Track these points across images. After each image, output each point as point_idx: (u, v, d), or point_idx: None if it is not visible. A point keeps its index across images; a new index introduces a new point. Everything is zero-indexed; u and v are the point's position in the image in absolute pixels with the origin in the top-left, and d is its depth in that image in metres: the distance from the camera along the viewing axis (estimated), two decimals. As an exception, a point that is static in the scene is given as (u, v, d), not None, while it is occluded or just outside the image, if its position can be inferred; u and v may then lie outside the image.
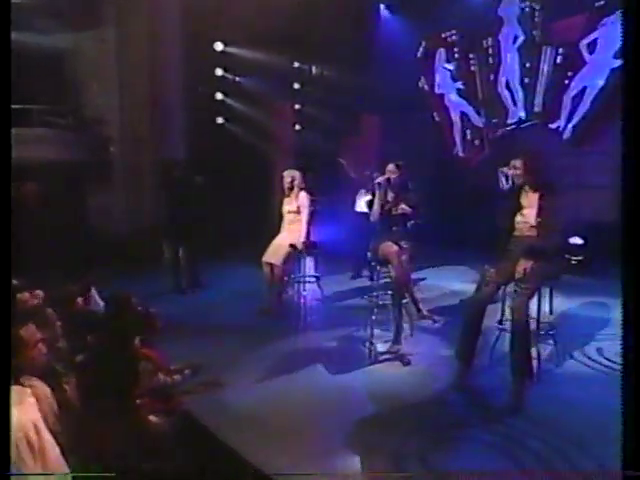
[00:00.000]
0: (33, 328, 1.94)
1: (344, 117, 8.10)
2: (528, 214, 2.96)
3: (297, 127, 8.74)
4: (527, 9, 6.91)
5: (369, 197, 3.88)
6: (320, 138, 8.07)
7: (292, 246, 4.35)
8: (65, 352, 2.58)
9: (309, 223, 4.44)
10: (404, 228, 3.75)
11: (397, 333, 3.52)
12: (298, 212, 4.45)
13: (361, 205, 5.56)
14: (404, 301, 3.64)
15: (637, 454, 1.32)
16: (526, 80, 7.06)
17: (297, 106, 8.75)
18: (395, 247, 3.56)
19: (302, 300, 4.52)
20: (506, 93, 7.31)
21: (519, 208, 2.99)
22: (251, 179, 7.67)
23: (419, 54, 8.10)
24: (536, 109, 7.01)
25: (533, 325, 3.00)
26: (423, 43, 8.05)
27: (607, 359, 3.32)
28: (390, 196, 3.71)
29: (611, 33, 5.92)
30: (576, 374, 3.20)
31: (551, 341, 3.30)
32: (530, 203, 2.97)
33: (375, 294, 3.75)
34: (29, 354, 1.91)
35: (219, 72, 7.93)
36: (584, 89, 6.44)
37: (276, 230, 4.64)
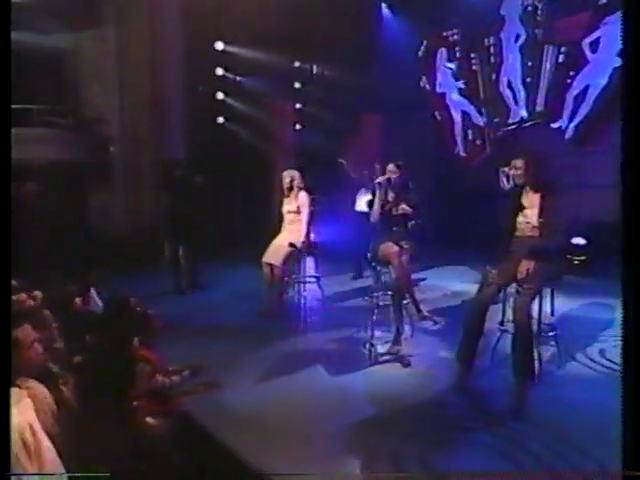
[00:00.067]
0: (29, 328, 1.93)
1: (345, 117, 8.09)
2: (530, 214, 2.93)
3: (298, 127, 8.73)
4: (529, 8, 6.89)
5: (369, 197, 3.86)
6: (321, 138, 8.06)
7: (292, 245, 4.33)
8: (63, 353, 2.57)
9: (309, 223, 4.42)
10: (404, 228, 3.72)
11: (397, 334, 3.49)
12: (298, 212, 4.43)
13: (361, 205, 5.54)
14: (404, 302, 3.62)
15: (637, 454, 1.31)
16: (528, 79, 7.03)
17: (298, 106, 8.74)
18: (395, 247, 3.54)
19: (302, 301, 4.50)
20: (508, 92, 7.28)
21: (520, 208, 2.97)
22: (251, 179, 7.66)
23: (420, 53, 8.08)
24: (538, 108, 6.97)
25: (535, 326, 2.97)
26: (424, 42, 8.03)
27: (609, 360, 3.29)
28: (390, 196, 3.69)
29: (614, 32, 5.88)
30: (578, 376, 3.17)
31: (553, 342, 3.27)
32: (532, 203, 2.94)
33: (375, 295, 3.73)
34: (25, 355, 1.90)
35: (220, 71, 7.93)
36: (586, 88, 6.41)
37: (276, 230, 4.62)
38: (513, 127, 7.27)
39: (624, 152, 1.36)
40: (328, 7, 7.30)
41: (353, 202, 5.95)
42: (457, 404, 2.86)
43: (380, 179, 3.65)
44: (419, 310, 3.98)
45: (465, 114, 7.84)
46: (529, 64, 6.99)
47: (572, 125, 6.62)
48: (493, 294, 2.98)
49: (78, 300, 3.13)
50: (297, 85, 8.71)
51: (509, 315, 3.25)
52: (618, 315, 1.41)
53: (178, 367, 2.75)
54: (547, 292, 3.09)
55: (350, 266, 5.85)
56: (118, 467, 1.95)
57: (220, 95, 8.02)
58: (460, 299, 4.76)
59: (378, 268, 3.73)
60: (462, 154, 7.97)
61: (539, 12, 6.81)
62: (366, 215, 3.98)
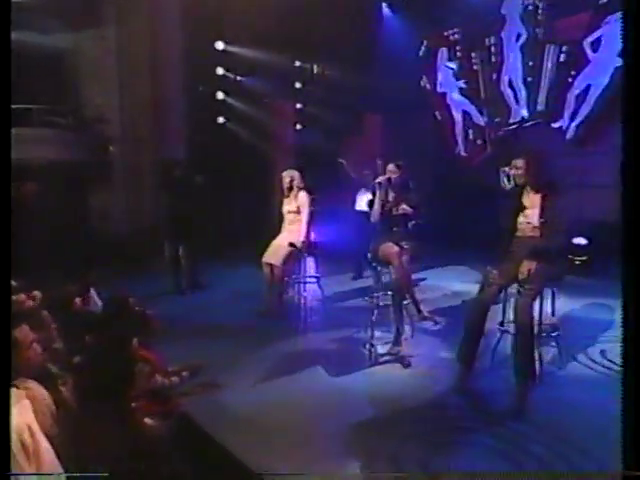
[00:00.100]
0: (27, 329, 1.93)
1: (345, 116, 8.08)
2: (530, 214, 2.92)
3: (298, 126, 8.72)
4: (530, 7, 6.86)
5: (369, 196, 3.85)
6: (321, 138, 8.05)
7: (292, 245, 4.32)
8: (62, 353, 2.56)
9: (309, 223, 4.41)
10: (405, 228, 3.72)
11: (397, 334, 3.48)
12: (298, 212, 4.42)
13: (361, 204, 5.52)
14: (405, 302, 3.61)
15: (637, 454, 1.31)
16: (529, 79, 7.01)
17: (298, 105, 8.73)
18: (396, 248, 3.53)
19: (302, 301, 4.49)
20: (509, 92, 7.26)
21: (521, 208, 2.96)
22: (252, 179, 7.65)
23: (421, 53, 8.06)
24: (539, 108, 6.95)
25: (536, 327, 2.96)
26: (425, 42, 8.01)
27: (610, 361, 3.27)
28: (391, 196, 3.68)
29: (615, 31, 5.85)
30: (579, 376, 3.16)
31: (553, 343, 3.26)
32: (532, 203, 2.93)
33: (375, 295, 3.72)
34: (24, 355, 1.90)
35: (220, 71, 7.91)
36: (588, 88, 6.38)
37: (276, 230, 4.61)
38: (514, 127, 7.25)
39: (624, 152, 1.36)
40: (328, 7, 7.29)
41: (353, 202, 5.94)
42: (457, 405, 2.85)
43: (380, 179, 3.64)
44: (419, 310, 3.97)
45: (466, 114, 7.82)
46: (530, 64, 6.97)
47: (573, 125, 6.60)
48: (494, 294, 2.96)
49: (78, 300, 3.12)
50: (298, 85, 8.70)
51: (509, 316, 3.25)
52: (619, 315, 1.41)
53: (177, 368, 2.74)
54: (548, 292, 3.07)
55: (350, 266, 5.84)
56: (117, 468, 1.95)
57: (220, 95, 8.01)
58: (461, 299, 4.74)
59: (378, 268, 3.72)
60: (463, 154, 7.95)
61: (540, 11, 6.79)
62: (366, 215, 3.97)
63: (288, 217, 4.51)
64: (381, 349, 3.51)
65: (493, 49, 7.35)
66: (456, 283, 5.44)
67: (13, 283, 2.36)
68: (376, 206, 3.62)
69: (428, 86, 8.12)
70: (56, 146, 6.13)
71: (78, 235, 5.84)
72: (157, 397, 2.51)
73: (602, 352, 3.46)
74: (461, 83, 7.78)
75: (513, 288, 3.04)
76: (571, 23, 6.47)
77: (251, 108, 7.89)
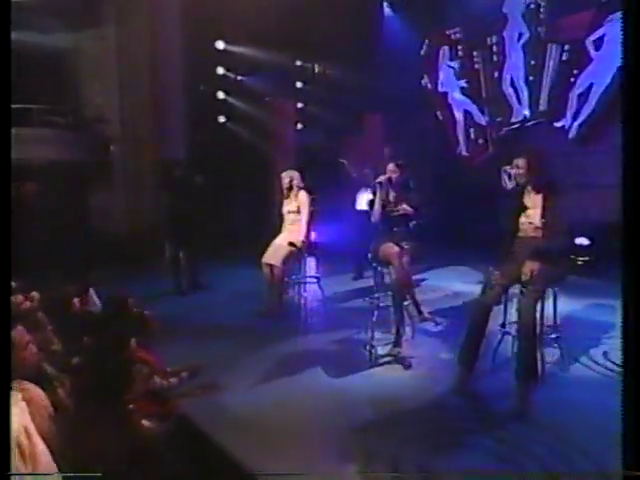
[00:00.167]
0: (22, 330, 1.92)
1: (346, 116, 8.06)
2: (532, 215, 2.89)
3: (299, 126, 8.70)
4: (532, 6, 6.82)
5: (370, 195, 3.83)
6: (322, 137, 8.03)
7: (291, 244, 4.30)
8: (60, 354, 2.55)
9: (309, 222, 4.39)
10: (406, 228, 3.70)
11: (398, 335, 3.46)
12: (298, 212, 4.40)
13: (362, 204, 5.50)
14: (405, 303, 3.59)
15: (637, 454, 1.30)
16: (531, 78, 6.97)
17: (299, 105, 8.72)
18: (396, 248, 3.51)
19: (302, 301, 4.48)
20: (510, 91, 7.23)
21: (523, 209, 2.93)
22: (252, 179, 7.64)
23: (422, 52, 8.03)
24: (541, 107, 6.91)
25: (538, 328, 2.93)
26: (426, 41, 7.98)
27: (613, 363, 3.24)
28: (392, 196, 3.66)
29: (618, 30, 5.73)
30: (581, 378, 3.13)
31: (555, 344, 3.23)
32: (534, 203, 2.90)
33: (376, 296, 3.70)
34: (19, 356, 1.89)
35: (220, 71, 7.91)
36: (590, 87, 6.34)
37: (277, 230, 4.60)
38: (516, 126, 7.22)
39: (624, 153, 1.35)
40: (329, 6, 7.27)
41: (354, 202, 5.92)
42: (458, 406, 2.82)
43: (381, 178, 3.62)
44: (420, 311, 3.96)
45: (467, 113, 7.79)
46: (532, 63, 6.93)
47: (575, 124, 6.55)
48: (497, 295, 2.94)
49: (76, 301, 3.11)
50: (298, 84, 8.68)
51: (511, 317, 3.22)
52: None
53: (176, 369, 2.73)
54: (549, 293, 3.05)
55: (351, 266, 5.82)
56: (115, 469, 1.94)
57: (221, 94, 8.00)
58: (462, 300, 4.72)
59: (379, 269, 3.70)
60: (464, 154, 7.91)
61: (542, 10, 6.75)
62: (367, 214, 3.95)
63: (288, 217, 4.49)
64: (381, 350, 3.48)
65: (495, 48, 7.32)
66: (457, 283, 5.41)
67: (12, 284, 2.36)
68: (377, 206, 3.60)
69: (429, 85, 8.09)
70: (56, 146, 6.13)
71: (78, 235, 5.84)
72: (156, 398, 2.50)
73: (604, 353, 3.43)
74: (462, 82, 7.75)
75: (515, 289, 3.02)
76: (573, 22, 6.43)
77: (252, 108, 7.88)
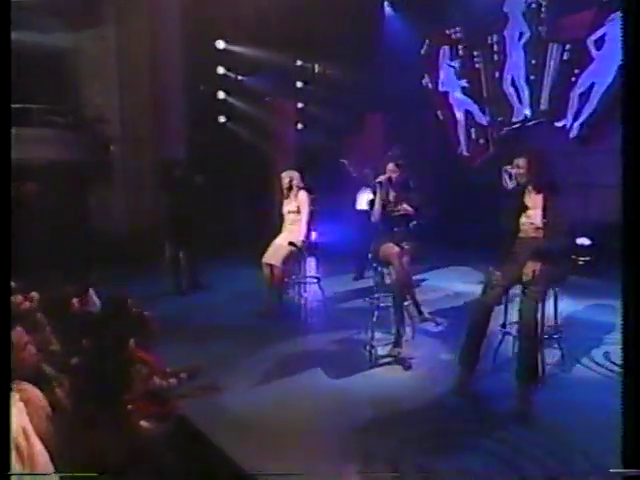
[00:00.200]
0: (21, 331, 1.91)
1: (347, 116, 8.05)
2: (533, 215, 2.88)
3: (299, 126, 8.69)
4: (533, 5, 6.80)
5: (370, 195, 3.82)
6: (323, 137, 8.02)
7: (291, 244, 4.29)
8: (59, 355, 2.54)
9: (309, 222, 4.38)
10: (406, 229, 3.68)
11: (398, 336, 3.45)
12: (298, 212, 4.39)
13: (362, 203, 5.49)
14: (405, 303, 3.58)
15: (637, 454, 1.29)
16: (532, 77, 6.95)
17: (299, 105, 8.70)
18: (396, 248, 3.50)
19: (302, 302, 4.46)
20: (511, 91, 7.21)
21: (524, 209, 2.92)
22: (252, 179, 7.63)
23: (423, 51, 8.01)
24: (542, 107, 6.90)
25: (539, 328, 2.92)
26: (427, 40, 7.96)
27: (614, 364, 3.23)
28: (392, 195, 3.65)
29: (619, 29, 5.78)
30: (582, 379, 3.12)
31: (556, 345, 3.22)
32: (535, 204, 2.89)
33: (376, 296, 3.69)
34: (18, 357, 1.88)
35: (221, 70, 7.90)
36: (591, 86, 6.32)
37: (277, 230, 4.59)
38: (517, 126, 7.20)
39: (624, 153, 1.35)
40: (330, 6, 7.26)
41: (354, 202, 5.91)
42: (458, 407, 2.81)
43: (381, 178, 3.61)
44: (420, 312, 3.95)
45: (468, 113, 7.77)
46: (533, 62, 6.91)
47: (577, 124, 6.53)
48: (498, 296, 2.93)
49: (75, 301, 3.10)
50: (299, 84, 8.67)
51: (511, 317, 3.21)
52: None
53: (176, 369, 2.72)
54: (550, 293, 3.03)
55: (351, 266, 5.81)
56: (114, 470, 1.93)
57: (221, 94, 7.99)
58: (462, 300, 4.71)
59: (379, 269, 3.69)
60: (465, 153, 7.90)
61: (543, 9, 6.73)
62: (367, 214, 3.94)
63: (288, 217, 4.48)
64: (381, 351, 3.47)
65: (495, 47, 7.29)
66: (458, 284, 5.40)
67: (12, 284, 2.35)
68: (377, 206, 3.59)
69: (430, 85, 8.07)
70: (56, 146, 6.12)
71: (78, 235, 5.83)
72: (155, 399, 2.49)
73: (606, 354, 3.42)
74: (463, 82, 7.73)
75: (516, 289, 3.01)
76: (574, 21, 6.41)
77: (252, 107, 7.87)
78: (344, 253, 5.99)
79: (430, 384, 3.08)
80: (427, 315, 4.04)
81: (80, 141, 6.47)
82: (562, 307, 3.24)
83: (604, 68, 6.10)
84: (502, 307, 3.15)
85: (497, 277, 2.88)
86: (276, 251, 4.39)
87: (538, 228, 2.86)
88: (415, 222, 3.73)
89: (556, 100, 6.72)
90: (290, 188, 4.42)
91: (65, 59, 6.68)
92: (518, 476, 2.20)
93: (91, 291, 3.36)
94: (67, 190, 6.01)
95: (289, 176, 4.44)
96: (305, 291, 4.49)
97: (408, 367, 3.29)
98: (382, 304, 3.65)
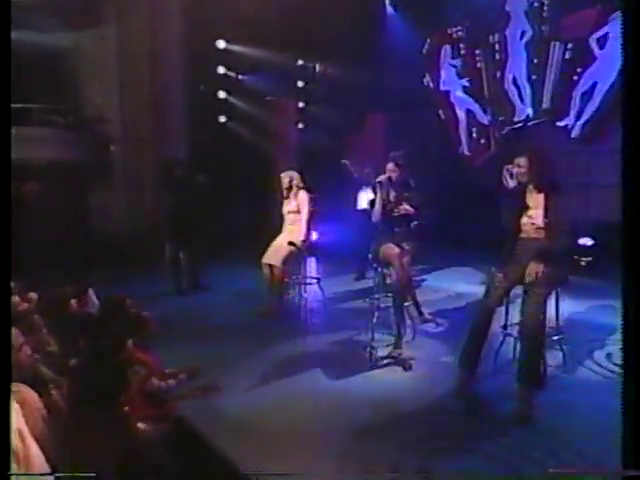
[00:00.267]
0: (17, 332, 1.90)
1: (348, 115, 8.03)
2: (534, 215, 2.85)
3: (300, 125, 8.67)
4: (535, 3, 6.76)
5: (371, 195, 3.80)
6: (324, 137, 8.00)
7: (291, 244, 4.27)
8: (57, 356, 2.53)
9: (309, 221, 4.36)
10: (407, 229, 3.67)
11: (398, 337, 3.43)
12: (298, 212, 4.38)
13: (362, 203, 5.47)
14: (406, 304, 3.56)
15: (637, 454, 1.29)
16: (534, 77, 6.91)
17: (300, 104, 8.69)
18: (396, 249, 3.48)
19: (303, 302, 4.45)
20: (513, 90, 7.17)
21: (525, 208, 2.89)
22: (253, 178, 7.62)
23: (424, 51, 7.98)
24: (544, 106, 6.86)
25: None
26: (428, 39, 7.92)
27: (617, 365, 3.19)
28: (392, 195, 3.62)
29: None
30: (584, 381, 3.09)
31: (557, 346, 3.19)
32: (536, 203, 2.86)
33: (376, 297, 3.67)
34: (13, 358, 1.87)
35: (221, 70, 7.89)
36: (594, 85, 6.28)
37: (277, 231, 4.57)
38: (518, 125, 7.16)
39: (624, 153, 1.34)
40: (330, 5, 7.23)
41: (355, 201, 5.89)
42: (459, 409, 2.79)
43: (381, 178, 3.59)
44: (420, 313, 3.93)
45: (469, 112, 7.73)
46: (535, 61, 6.87)
47: (579, 123, 6.49)
48: (500, 298, 2.91)
49: (74, 302, 3.09)
50: (300, 83, 8.65)
51: (513, 318, 3.18)
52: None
53: (175, 370, 2.70)
54: (552, 294, 3.00)
55: (351, 267, 5.79)
56: (111, 472, 1.92)
57: (222, 94, 7.98)
58: (464, 301, 4.69)
59: (379, 269, 3.67)
60: (466, 153, 7.86)
61: (545, 8, 6.68)
62: (368, 214, 3.92)
63: (288, 217, 4.46)
64: (381, 352, 3.45)
65: (497, 46, 7.25)
66: (459, 284, 5.37)
67: (12, 284, 2.34)
68: (377, 205, 3.57)
69: (431, 84, 8.04)
70: (56, 146, 6.12)
71: (78, 235, 5.83)
72: (153, 400, 2.48)
73: (608, 355, 3.39)
74: (465, 81, 7.69)
75: (517, 289, 2.98)
76: (577, 20, 6.36)
77: (253, 107, 7.86)
78: (345, 253, 5.97)
79: (430, 385, 3.06)
80: (427, 316, 4.02)
81: (80, 141, 6.47)
82: (563, 308, 3.21)
83: (607, 67, 6.06)
84: (503, 308, 3.12)
85: (499, 279, 2.86)
86: (276, 251, 4.37)
87: (539, 228, 2.83)
88: (416, 222, 3.71)
89: (558, 99, 6.67)
90: (290, 188, 4.40)
91: (65, 59, 6.68)
92: (518, 476, 2.18)
93: (90, 291, 3.35)
94: (67, 190, 6.01)
95: (289, 176, 4.42)
96: (305, 291, 4.47)
97: (408, 368, 3.27)
98: (382, 305, 3.64)
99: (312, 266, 4.79)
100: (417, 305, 3.91)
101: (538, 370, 2.72)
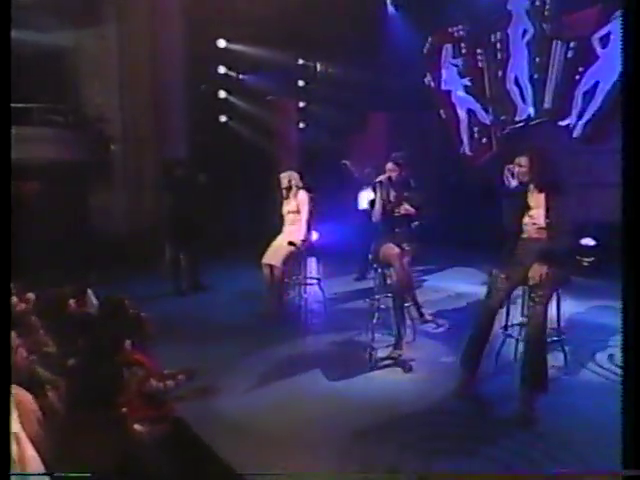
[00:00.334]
0: (13, 334, 1.89)
1: (349, 115, 8.01)
2: (536, 215, 2.82)
3: (301, 125, 8.66)
4: (537, 2, 6.73)
5: (371, 195, 3.78)
6: (325, 136, 7.98)
7: (291, 244, 4.25)
8: (55, 357, 2.52)
9: (309, 221, 4.35)
10: (407, 229, 3.64)
11: (398, 338, 3.41)
12: (298, 212, 4.36)
13: (363, 203, 5.45)
14: (406, 305, 3.54)
15: (637, 454, 1.28)
16: (535, 76, 6.88)
17: (301, 104, 8.68)
18: (396, 250, 3.46)
19: (303, 303, 4.43)
20: (515, 89, 7.14)
21: (526, 208, 2.86)
22: (254, 178, 7.60)
23: (425, 50, 7.95)
24: (546, 106, 6.82)
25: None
26: (429, 39, 7.90)
27: (618, 366, 3.17)
28: (392, 195, 3.60)
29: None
30: (586, 382, 3.07)
31: (559, 348, 3.17)
32: (537, 203, 2.84)
33: (377, 297, 3.65)
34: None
35: (222, 70, 7.88)
36: (596, 84, 6.25)
37: (277, 231, 4.56)
38: (520, 125, 7.13)
39: (624, 153, 1.32)
40: (331, 4, 7.21)
41: (356, 201, 5.87)
42: (459, 411, 2.77)
43: (381, 178, 3.57)
44: (421, 313, 3.91)
45: (471, 112, 7.70)
46: (537, 60, 6.83)
47: (581, 122, 6.46)
48: (502, 299, 2.89)
49: (72, 302, 3.08)
50: (301, 83, 8.64)
51: (513, 319, 3.16)
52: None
53: (173, 371, 2.69)
54: (553, 295, 2.98)
55: (352, 267, 5.77)
56: (109, 474, 1.90)
57: (222, 93, 7.97)
58: (464, 301, 4.67)
59: (379, 270, 3.65)
60: (468, 153, 7.83)
61: (547, 7, 6.65)
62: (369, 214, 3.90)
63: (288, 217, 4.45)
64: (381, 353, 3.43)
65: (499, 46, 7.22)
66: (461, 284, 5.35)
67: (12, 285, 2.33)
68: (377, 205, 3.55)
69: (432, 84, 8.01)
70: (56, 145, 6.11)
71: (78, 235, 5.82)
72: (151, 401, 2.46)
73: (610, 357, 3.37)
74: (466, 81, 7.66)
75: (519, 290, 2.95)
76: (579, 18, 6.33)
77: (253, 106, 7.84)
78: (345, 254, 5.95)
79: (430, 386, 3.04)
80: (428, 317, 4.00)
81: (80, 140, 6.46)
82: (565, 309, 3.18)
83: (609, 66, 6.02)
84: (504, 309, 3.10)
85: (502, 280, 2.83)
86: (276, 252, 4.36)
87: (541, 228, 2.81)
88: (416, 222, 3.69)
89: (560, 99, 6.64)
90: (289, 188, 4.38)
91: (65, 58, 6.68)
92: (518, 478, 2.16)
93: (89, 292, 3.34)
94: (67, 190, 6.00)
95: (288, 176, 4.41)
96: (305, 292, 4.45)
97: (408, 369, 3.25)
98: (383, 305, 3.62)
99: (312, 266, 4.77)
100: (417, 306, 3.89)
101: (543, 374, 2.69)
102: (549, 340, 3.05)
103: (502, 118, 7.35)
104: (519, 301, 3.18)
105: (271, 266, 4.33)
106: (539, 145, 5.03)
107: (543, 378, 2.69)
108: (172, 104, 6.96)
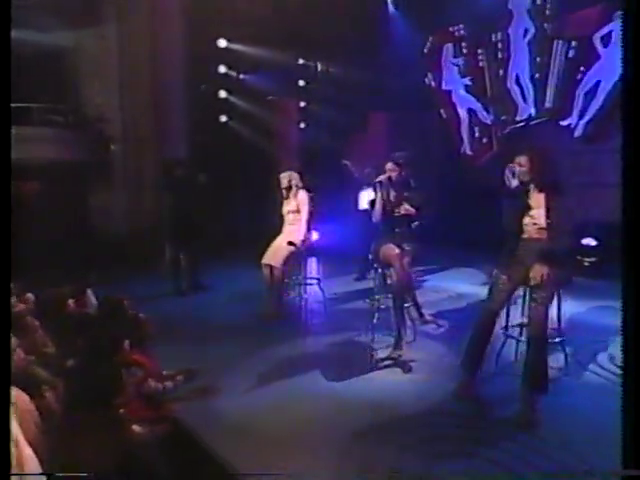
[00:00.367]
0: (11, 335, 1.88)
1: (350, 114, 8.00)
2: (536, 215, 2.81)
3: (302, 125, 8.65)
4: (538, 2, 6.71)
5: (372, 195, 3.77)
6: (325, 136, 7.97)
7: (291, 244, 4.25)
8: (54, 357, 2.52)
9: (309, 221, 4.34)
10: (408, 229, 3.63)
11: (398, 338, 3.39)
12: (298, 212, 4.35)
13: (364, 203, 5.44)
14: (406, 305, 3.52)
15: (637, 454, 1.28)
16: (537, 75, 6.86)
17: (302, 104, 8.67)
18: (396, 250, 3.44)
19: (303, 303, 4.42)
20: (516, 89, 7.12)
21: (527, 208, 2.85)
22: (254, 178, 7.60)
23: (426, 49, 7.93)
24: (547, 105, 6.81)
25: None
26: (430, 38, 7.88)
27: (619, 367, 3.16)
28: (392, 195, 3.59)
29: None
30: (586, 383, 3.06)
31: (559, 348, 3.15)
32: (538, 203, 2.82)
33: (377, 297, 3.64)
34: (7, 361, 1.85)
35: (222, 69, 7.87)
36: (597, 84, 6.23)
37: (277, 231, 4.55)
38: (521, 125, 7.11)
39: (624, 153, 1.32)
40: (332, 4, 7.20)
41: (357, 202, 5.86)
42: (459, 412, 2.76)
43: (380, 178, 3.56)
44: (421, 314, 3.90)
45: (472, 112, 7.69)
46: (538, 60, 6.82)
47: (582, 122, 6.44)
48: (503, 301, 2.88)
49: (71, 302, 3.08)
50: (301, 83, 8.63)
51: (513, 319, 3.15)
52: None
53: (172, 372, 2.68)
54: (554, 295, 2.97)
55: (352, 267, 5.76)
56: (106, 474, 1.90)
57: (223, 93, 7.96)
58: (464, 302, 4.66)
59: (379, 270, 3.64)
60: (468, 153, 7.82)
61: (548, 6, 6.63)
62: (369, 214, 3.89)
63: (288, 217, 4.44)
64: (381, 353, 3.42)
65: (500, 45, 7.21)
66: (461, 285, 5.34)
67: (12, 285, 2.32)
68: (377, 205, 3.54)
69: (433, 83, 8.00)
70: (56, 145, 6.12)
71: (78, 235, 5.82)
72: (150, 402, 2.46)
73: (611, 357, 3.35)
74: (467, 80, 7.64)
75: (519, 290, 2.94)
76: (580, 18, 6.31)
77: (254, 106, 7.84)
78: (345, 254, 5.94)
79: (431, 387, 3.03)
80: (428, 317, 3.99)
81: (80, 140, 6.46)
82: (565, 309, 3.17)
83: (610, 66, 6.00)
84: (504, 309, 3.08)
85: (503, 281, 2.82)
86: (276, 252, 4.35)
87: (542, 229, 2.79)
88: (417, 222, 3.68)
89: (561, 98, 6.62)
90: (289, 188, 4.37)
91: (65, 58, 6.68)
92: (514, 476, 2.15)
93: (89, 292, 3.34)
94: (67, 190, 6.00)
95: (288, 176, 4.40)
96: (305, 292, 4.44)
97: (408, 370, 3.24)
98: (383, 306, 3.61)
99: (312, 266, 4.76)
100: (417, 306, 3.88)
101: (544, 375, 2.68)
102: (550, 341, 3.04)
103: (503, 118, 7.33)
104: (520, 301, 3.17)
105: (271, 266, 4.33)
106: (540, 145, 5.01)
107: (544, 379, 2.68)
108: (172, 104, 6.96)
